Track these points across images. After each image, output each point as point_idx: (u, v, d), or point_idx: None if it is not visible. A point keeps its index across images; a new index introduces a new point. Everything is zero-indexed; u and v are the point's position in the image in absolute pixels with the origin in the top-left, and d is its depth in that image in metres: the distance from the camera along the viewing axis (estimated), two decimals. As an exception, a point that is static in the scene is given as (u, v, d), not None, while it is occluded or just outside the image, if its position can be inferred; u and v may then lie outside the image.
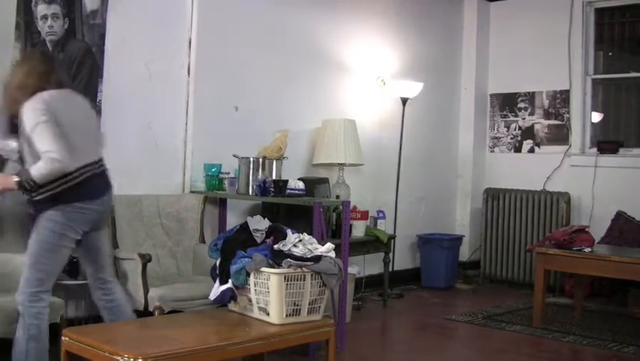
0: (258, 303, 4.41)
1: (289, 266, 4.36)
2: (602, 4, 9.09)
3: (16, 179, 4.35)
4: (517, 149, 9.70)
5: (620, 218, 8.27)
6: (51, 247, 4.43)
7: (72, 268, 5.47)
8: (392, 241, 8.06)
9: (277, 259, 4.39)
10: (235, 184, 6.47)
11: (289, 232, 4.63)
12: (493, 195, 9.45)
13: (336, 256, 4.59)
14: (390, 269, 8.14)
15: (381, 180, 8.67)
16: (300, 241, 4.57)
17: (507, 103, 9.80)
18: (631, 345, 6.42)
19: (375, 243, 7.67)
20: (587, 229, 7.17)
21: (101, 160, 4.64)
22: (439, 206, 9.66)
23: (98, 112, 5.81)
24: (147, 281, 5.34)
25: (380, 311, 7.78)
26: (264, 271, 4.34)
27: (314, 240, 4.69)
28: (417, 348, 6.48)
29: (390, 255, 8.02)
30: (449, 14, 9.74)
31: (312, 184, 6.75)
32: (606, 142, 8.98)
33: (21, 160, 4.54)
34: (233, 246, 4.64)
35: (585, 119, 9.18)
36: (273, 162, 6.43)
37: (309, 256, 4.45)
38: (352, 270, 7.00)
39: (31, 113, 4.30)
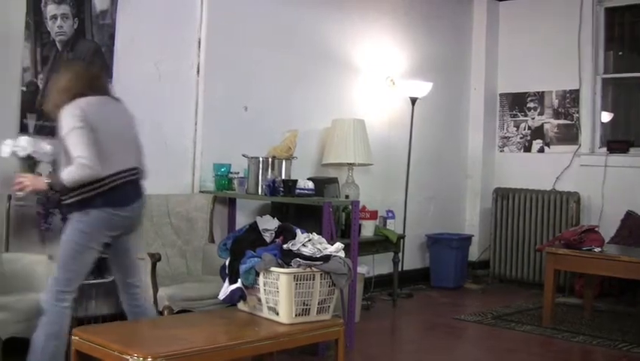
0: (267, 303, 4.41)
1: (298, 266, 4.36)
2: (612, 3, 9.07)
3: (47, 181, 4.48)
4: (527, 149, 9.68)
5: (630, 218, 8.25)
6: (79, 249, 4.47)
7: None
8: (401, 240, 8.06)
9: (286, 258, 4.39)
10: (244, 184, 6.47)
11: (298, 231, 4.63)
12: (503, 195, 9.44)
13: (345, 256, 4.59)
14: (400, 269, 8.15)
15: (391, 179, 8.66)
16: (310, 240, 4.57)
17: (516, 103, 9.78)
18: (641, 345, 6.42)
19: (385, 243, 7.67)
20: (596, 229, 7.16)
21: (135, 168, 4.68)
22: (449, 206, 9.65)
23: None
24: (157, 281, 5.35)
25: (389, 311, 7.78)
26: (274, 271, 4.34)
27: (323, 239, 4.69)
28: (426, 348, 6.47)
29: (400, 255, 8.02)
30: (458, 14, 9.73)
31: (322, 184, 6.76)
32: (616, 142, 8.96)
33: (55, 162, 4.68)
34: (243, 246, 4.65)
35: (595, 119, 9.16)
36: (282, 162, 6.44)
37: (318, 256, 4.45)
38: (361, 270, 7.00)
39: (68, 118, 4.38)
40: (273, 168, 6.36)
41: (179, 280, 5.82)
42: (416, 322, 7.54)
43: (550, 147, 9.47)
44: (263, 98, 7.18)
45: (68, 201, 4.49)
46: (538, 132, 9.59)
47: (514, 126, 9.81)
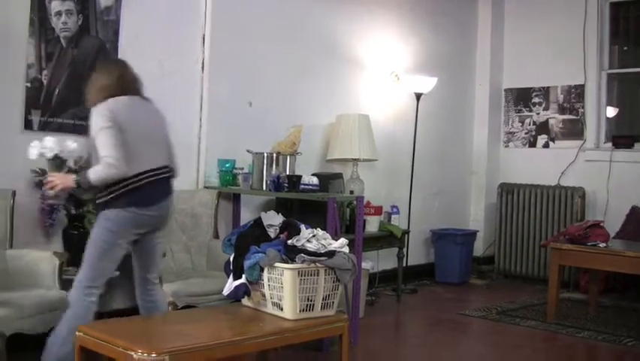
0: (271, 298, 4.41)
1: (303, 261, 4.36)
2: (617, -2, 9.07)
3: (75, 179, 4.55)
4: (532, 144, 9.67)
5: (635, 213, 8.23)
6: (106, 247, 4.57)
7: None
8: (406, 236, 8.06)
9: (291, 254, 4.39)
10: (249, 180, 6.47)
11: (303, 227, 4.64)
12: (508, 190, 9.43)
13: (349, 252, 4.60)
14: (404, 264, 8.15)
15: (395, 175, 8.66)
16: (314, 236, 4.57)
17: (521, 98, 9.77)
18: (646, 341, 6.41)
19: (389, 238, 7.67)
20: (601, 224, 7.16)
21: (164, 167, 4.76)
22: (453, 201, 9.65)
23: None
24: (161, 276, 5.35)
25: (394, 306, 7.78)
26: (278, 267, 4.34)
27: (328, 235, 4.69)
28: (431, 343, 6.48)
29: (404, 250, 8.03)
30: (463, 9, 9.72)
31: (326, 180, 6.75)
32: (621, 137, 8.94)
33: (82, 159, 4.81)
34: (247, 241, 4.65)
35: (600, 114, 9.15)
36: (286, 158, 6.44)
37: (322, 252, 4.45)
38: (366, 265, 7.00)
39: (97, 118, 4.51)
40: (277, 164, 6.36)
41: (184, 275, 5.82)
42: (421, 317, 7.54)
43: (556, 142, 9.46)
44: (267, 93, 7.18)
45: (98, 200, 4.62)
46: (543, 127, 9.57)
47: (519, 122, 9.80)
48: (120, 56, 6.06)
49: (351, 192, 7.36)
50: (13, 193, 5.30)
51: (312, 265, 4.38)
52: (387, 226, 7.70)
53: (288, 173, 6.33)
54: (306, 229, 4.63)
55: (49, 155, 4.91)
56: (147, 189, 4.59)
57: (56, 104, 5.75)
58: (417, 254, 9.06)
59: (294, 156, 6.51)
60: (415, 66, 8.80)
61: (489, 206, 9.78)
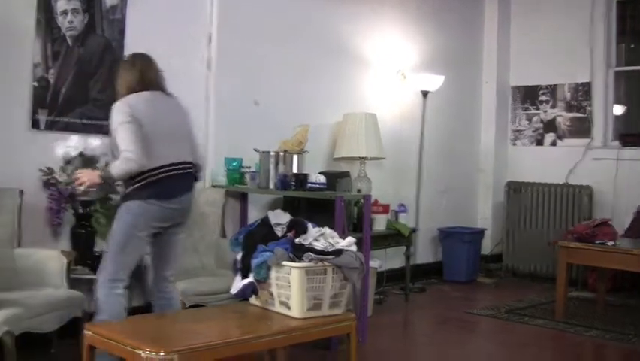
0: (279, 297, 4.40)
1: (310, 260, 4.34)
2: (624, -5, 9.04)
3: (100, 174, 4.64)
4: (539, 142, 9.66)
5: (643, 211, 8.21)
6: (125, 239, 4.62)
7: (94, 263, 5.49)
8: (413, 234, 8.05)
9: (298, 253, 4.37)
10: (256, 178, 6.47)
11: (310, 225, 4.62)
12: (515, 189, 9.42)
13: (357, 250, 4.58)
14: (412, 263, 8.14)
15: (403, 173, 8.66)
16: (322, 234, 4.56)
17: (528, 96, 9.75)
18: (654, 339, 6.39)
19: (397, 236, 7.66)
20: (609, 223, 7.15)
21: (185, 162, 4.80)
22: (461, 199, 9.63)
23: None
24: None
25: (402, 305, 7.77)
26: (286, 265, 4.33)
27: (335, 234, 4.67)
28: (438, 342, 6.47)
29: (412, 248, 8.02)
30: (469, 7, 9.70)
31: (334, 178, 6.74)
32: (629, 135, 8.92)
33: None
34: (255, 240, 4.64)
35: (607, 112, 9.14)
36: (293, 156, 6.42)
37: (330, 250, 4.44)
38: (374, 264, 6.99)
39: (117, 113, 4.60)
40: (284, 163, 6.35)
41: (191, 274, 5.82)
42: (428, 316, 7.53)
43: (563, 140, 9.44)
44: (274, 92, 7.17)
45: (122, 193, 4.73)
46: (550, 125, 9.55)
47: (527, 119, 9.79)
48: (126, 54, 6.05)
49: (359, 190, 7.35)
50: (21, 192, 5.31)
51: (320, 263, 4.36)
52: (394, 225, 7.69)
53: (295, 172, 6.32)
54: (314, 227, 4.62)
55: (74, 152, 4.96)
56: (166, 183, 4.64)
57: (63, 103, 5.76)
58: (424, 253, 9.06)
59: (301, 155, 6.50)
60: (422, 64, 8.79)
61: (496, 204, 9.76)
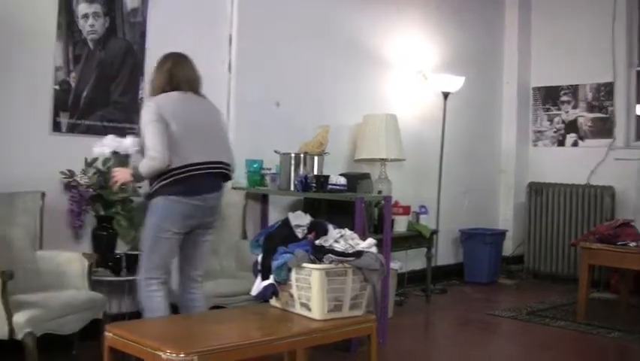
0: (299, 299, 4.40)
1: (331, 262, 4.34)
2: (647, -6, 8.98)
3: (131, 172, 4.78)
4: (561, 143, 9.61)
5: (666, 212, 8.17)
6: (152, 240, 4.72)
7: (115, 265, 5.52)
8: (434, 236, 8.03)
9: (318, 254, 4.37)
10: (277, 180, 6.47)
11: (330, 227, 4.62)
12: (537, 190, 9.38)
13: (378, 252, 4.58)
14: (433, 264, 8.13)
15: (423, 175, 8.64)
16: (342, 236, 4.55)
17: (550, 96, 9.71)
18: (678, 340, 6.34)
19: (418, 238, 7.64)
20: (631, 223, 7.11)
21: (212, 162, 4.83)
22: (482, 201, 9.60)
23: (139, 109, 5.84)
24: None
25: (423, 307, 7.76)
26: (306, 267, 4.33)
27: (355, 235, 4.66)
28: (460, 343, 6.45)
29: (433, 250, 8.01)
30: (489, 7, 9.67)
31: (354, 180, 6.73)
32: (651, 135, 8.88)
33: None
34: (275, 242, 4.64)
35: (629, 112, 9.07)
36: (314, 158, 6.43)
37: (350, 252, 4.43)
38: (394, 265, 6.99)
39: (144, 112, 4.71)
40: (305, 164, 6.36)
41: (212, 276, 5.83)
42: (450, 317, 7.51)
43: (585, 140, 9.39)
44: (294, 94, 7.18)
45: (150, 191, 4.78)
46: (572, 126, 9.51)
47: (548, 120, 9.74)
48: (147, 57, 6.09)
49: (379, 192, 7.35)
50: (43, 195, 5.34)
51: (340, 265, 4.36)
52: (415, 226, 7.68)
53: (315, 173, 6.33)
54: (334, 229, 4.61)
55: (107, 151, 5.01)
56: (190, 181, 4.68)
57: (84, 106, 5.79)
58: (446, 254, 9.04)
59: (321, 157, 6.50)
60: (442, 65, 8.77)
61: (518, 205, 9.73)
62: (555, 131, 9.66)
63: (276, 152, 6.46)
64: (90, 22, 5.81)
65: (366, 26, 7.97)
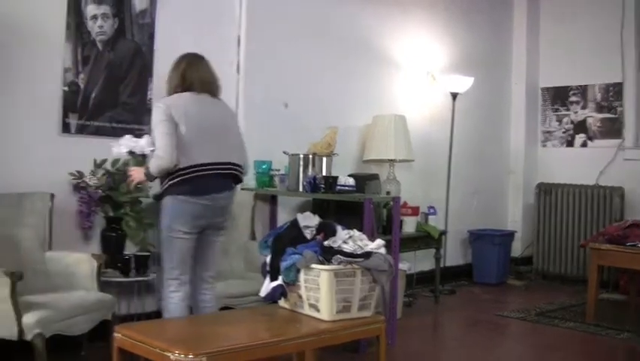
0: (308, 300, 4.40)
1: (339, 263, 4.34)
2: (656, -6, 8.96)
3: (145, 171, 4.80)
4: (570, 143, 9.59)
5: (676, 212, 8.15)
6: (166, 238, 4.80)
7: (124, 266, 5.53)
8: (443, 236, 8.02)
9: (327, 255, 4.37)
10: (285, 181, 6.48)
11: (339, 228, 4.62)
12: (546, 190, 9.36)
13: (386, 253, 4.57)
14: (442, 265, 8.12)
15: (432, 175, 8.63)
16: (350, 237, 4.55)
17: (559, 97, 9.69)
18: (687, 341, 6.33)
19: (426, 239, 7.64)
20: (641, 224, 7.09)
21: (225, 163, 4.87)
22: (491, 201, 9.59)
23: (147, 110, 5.85)
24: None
25: (431, 307, 7.75)
26: (315, 268, 4.33)
27: (364, 236, 4.66)
28: (468, 344, 6.44)
29: (442, 251, 7.99)
30: (498, 8, 9.66)
31: (363, 180, 6.73)
32: (661, 135, 8.86)
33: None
34: (284, 243, 4.64)
35: (639, 112, 9.04)
36: (322, 159, 6.43)
37: (359, 253, 4.43)
38: (403, 266, 6.98)
39: (154, 112, 4.78)
40: (313, 165, 6.35)
41: (221, 277, 5.82)
42: (458, 318, 7.50)
43: (594, 141, 9.37)
44: (303, 95, 7.18)
45: (157, 191, 4.87)
46: (580, 126, 9.49)
47: (557, 121, 9.72)
48: (156, 59, 6.11)
49: (388, 192, 7.34)
50: (52, 196, 5.35)
51: (349, 266, 4.36)
52: (424, 227, 7.68)
53: (324, 174, 6.32)
54: (343, 230, 4.61)
55: (124, 151, 5.04)
56: (197, 181, 4.71)
57: (93, 107, 5.80)
58: (454, 255, 9.03)
59: (330, 157, 6.50)
60: (451, 66, 8.76)
61: (527, 206, 9.71)
62: (564, 132, 9.64)
63: (284, 153, 6.46)
64: (99, 23, 5.82)
65: (375, 27, 7.97)
